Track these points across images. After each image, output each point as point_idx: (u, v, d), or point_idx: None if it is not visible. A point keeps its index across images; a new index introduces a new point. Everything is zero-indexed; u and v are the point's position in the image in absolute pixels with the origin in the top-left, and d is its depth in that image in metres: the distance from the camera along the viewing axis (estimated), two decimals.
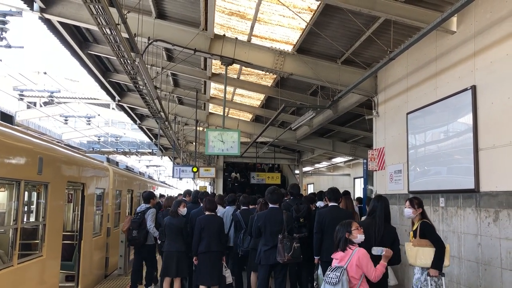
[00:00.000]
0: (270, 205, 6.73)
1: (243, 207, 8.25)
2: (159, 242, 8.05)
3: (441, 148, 6.53)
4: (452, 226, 6.23)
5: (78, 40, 10.16)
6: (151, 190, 9.85)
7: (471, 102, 5.77)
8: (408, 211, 5.28)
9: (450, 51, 6.38)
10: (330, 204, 6.77)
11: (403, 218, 7.65)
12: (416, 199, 5.39)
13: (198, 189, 21.27)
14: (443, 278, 5.02)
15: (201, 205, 7.92)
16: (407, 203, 5.32)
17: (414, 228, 5.27)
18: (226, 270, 7.34)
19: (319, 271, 6.52)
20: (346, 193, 9.61)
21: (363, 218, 7.27)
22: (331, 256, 4.67)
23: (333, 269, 4.46)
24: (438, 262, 4.95)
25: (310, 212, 7.55)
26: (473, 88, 5.77)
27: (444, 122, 6.50)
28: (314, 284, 6.90)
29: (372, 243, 4.83)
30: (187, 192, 9.99)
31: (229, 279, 7.36)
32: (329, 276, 4.42)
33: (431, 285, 4.93)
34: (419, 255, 5.09)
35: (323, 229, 6.44)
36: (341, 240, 4.58)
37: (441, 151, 6.53)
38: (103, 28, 5.68)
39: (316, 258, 6.61)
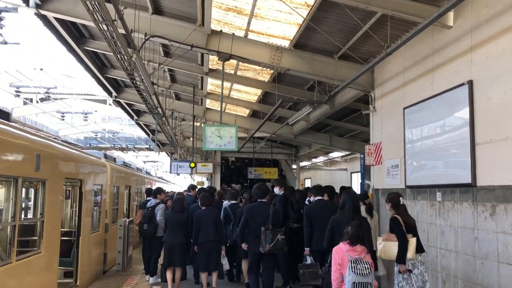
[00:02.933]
0: (258, 200, 7.23)
1: (231, 202, 8.85)
2: None
3: (438, 143, 6.56)
4: (449, 221, 6.27)
5: (75, 36, 10.12)
6: (159, 186, 10.54)
7: (467, 97, 5.79)
8: (386, 206, 5.76)
9: (446, 46, 6.39)
10: (316, 198, 7.35)
11: None
12: (389, 195, 5.77)
13: (195, 183, 21.32)
14: (421, 267, 5.37)
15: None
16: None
17: None
18: (224, 258, 7.96)
19: (309, 260, 6.88)
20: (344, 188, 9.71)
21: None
22: (340, 247, 4.70)
23: (358, 261, 4.49)
24: (400, 256, 5.22)
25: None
26: (470, 83, 5.78)
27: (440, 117, 6.52)
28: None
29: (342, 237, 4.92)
30: (191, 187, 10.74)
31: (226, 266, 8.08)
32: (357, 268, 4.44)
33: (401, 281, 5.32)
34: (385, 249, 5.41)
35: (312, 221, 6.91)
36: (353, 235, 4.63)
37: (437, 146, 6.56)
38: (100, 24, 5.66)
39: (307, 249, 6.97)
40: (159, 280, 8.91)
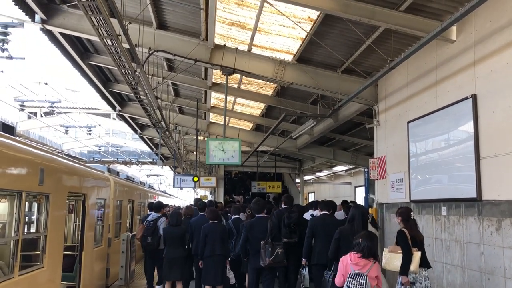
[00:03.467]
0: (257, 215, 7.29)
1: (234, 216, 8.79)
2: None
3: (442, 157, 6.53)
4: (455, 235, 6.21)
5: (79, 50, 10.21)
6: (160, 200, 10.70)
7: (471, 111, 5.78)
8: (395, 220, 5.84)
9: (450, 60, 6.40)
10: (322, 212, 7.43)
11: None
12: (400, 209, 5.86)
13: (199, 197, 21.28)
14: (425, 282, 5.40)
15: (199, 213, 8.83)
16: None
17: None
18: (230, 272, 7.96)
19: (305, 271, 7.16)
20: (345, 202, 10.09)
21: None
22: (347, 257, 4.81)
23: (356, 276, 4.61)
24: (403, 268, 5.33)
25: (300, 220, 8.05)
26: (474, 97, 5.77)
27: (445, 131, 6.50)
28: (301, 285, 7.36)
29: (351, 248, 4.98)
30: (197, 201, 10.82)
31: (232, 280, 8.06)
32: (353, 283, 4.58)
33: None
34: (389, 261, 5.56)
35: (315, 234, 7.04)
36: (365, 248, 4.71)
37: (442, 160, 6.52)
38: (104, 39, 5.71)
39: (304, 260, 7.19)
40: None
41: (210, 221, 7.99)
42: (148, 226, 9.24)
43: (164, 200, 23.92)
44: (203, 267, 7.84)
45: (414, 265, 5.31)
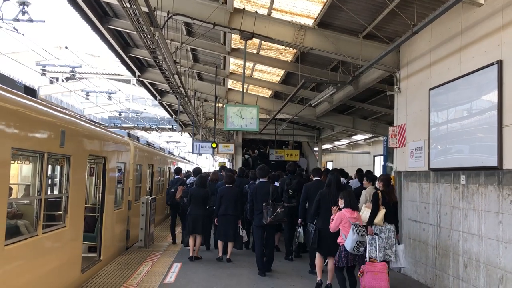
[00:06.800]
0: (260, 179, 8.40)
1: (250, 182, 9.77)
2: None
3: (464, 126, 6.40)
4: (473, 204, 6.16)
5: (99, 14, 10.17)
6: (199, 166, 12.57)
7: (496, 78, 5.62)
8: (364, 183, 7.90)
9: (476, 25, 6.19)
10: (314, 178, 8.42)
11: (423, 196, 7.59)
12: (381, 176, 7.36)
13: (217, 164, 21.53)
14: (389, 233, 6.63)
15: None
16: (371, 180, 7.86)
17: None
18: (243, 231, 8.98)
19: (300, 229, 8.02)
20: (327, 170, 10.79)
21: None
22: (344, 213, 6.25)
23: (357, 225, 6.05)
24: (369, 220, 6.72)
25: (300, 187, 8.63)
26: (499, 63, 5.60)
27: (467, 99, 6.35)
28: (296, 241, 8.53)
29: (330, 206, 6.61)
30: (223, 167, 12.51)
31: (245, 238, 9.11)
32: (359, 230, 5.99)
33: (371, 239, 6.55)
34: (363, 214, 7.00)
35: (309, 198, 7.87)
36: (349, 202, 6.31)
37: (463, 129, 6.41)
38: (123, 2, 5.67)
39: (300, 220, 8.06)
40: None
41: (226, 185, 8.94)
42: (187, 189, 10.04)
43: (183, 166, 24.23)
44: (218, 225, 8.88)
45: (378, 219, 6.64)
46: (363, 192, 7.97)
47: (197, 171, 10.83)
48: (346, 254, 6.13)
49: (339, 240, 6.30)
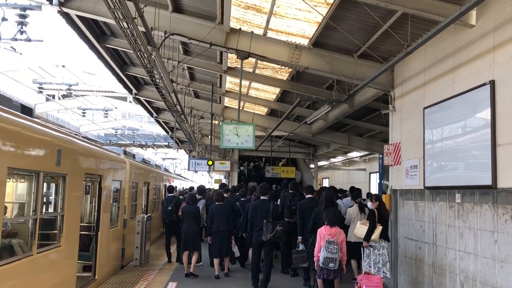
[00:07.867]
0: (261, 197, 8.73)
1: (242, 199, 10.42)
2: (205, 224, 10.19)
3: (458, 144, 6.46)
4: (468, 223, 6.17)
5: (96, 33, 10.27)
6: (203, 184, 13.16)
7: (489, 97, 5.68)
8: (369, 204, 7.82)
9: (468, 45, 6.29)
10: (307, 196, 8.78)
11: (419, 214, 7.61)
12: (375, 195, 7.98)
13: (213, 181, 21.48)
14: (383, 250, 7.36)
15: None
16: (369, 199, 8.04)
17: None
18: (235, 246, 9.46)
19: (301, 247, 8.32)
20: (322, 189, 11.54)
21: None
22: (322, 230, 6.83)
23: (331, 242, 6.58)
24: (366, 236, 7.32)
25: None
26: (492, 83, 5.68)
27: (461, 117, 6.42)
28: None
29: (321, 223, 7.04)
30: (222, 186, 12.53)
31: (237, 253, 9.61)
32: (329, 248, 6.54)
33: (367, 253, 7.32)
34: (359, 230, 7.56)
35: (304, 215, 8.28)
36: (329, 218, 6.83)
37: (458, 147, 6.46)
38: (120, 22, 5.74)
39: (300, 238, 8.39)
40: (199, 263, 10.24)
41: (216, 203, 9.31)
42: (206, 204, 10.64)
43: (179, 183, 24.15)
44: (212, 243, 9.22)
45: (375, 235, 7.28)
46: (348, 209, 8.88)
47: (202, 189, 11.42)
48: (321, 267, 6.77)
49: (315, 253, 6.94)
